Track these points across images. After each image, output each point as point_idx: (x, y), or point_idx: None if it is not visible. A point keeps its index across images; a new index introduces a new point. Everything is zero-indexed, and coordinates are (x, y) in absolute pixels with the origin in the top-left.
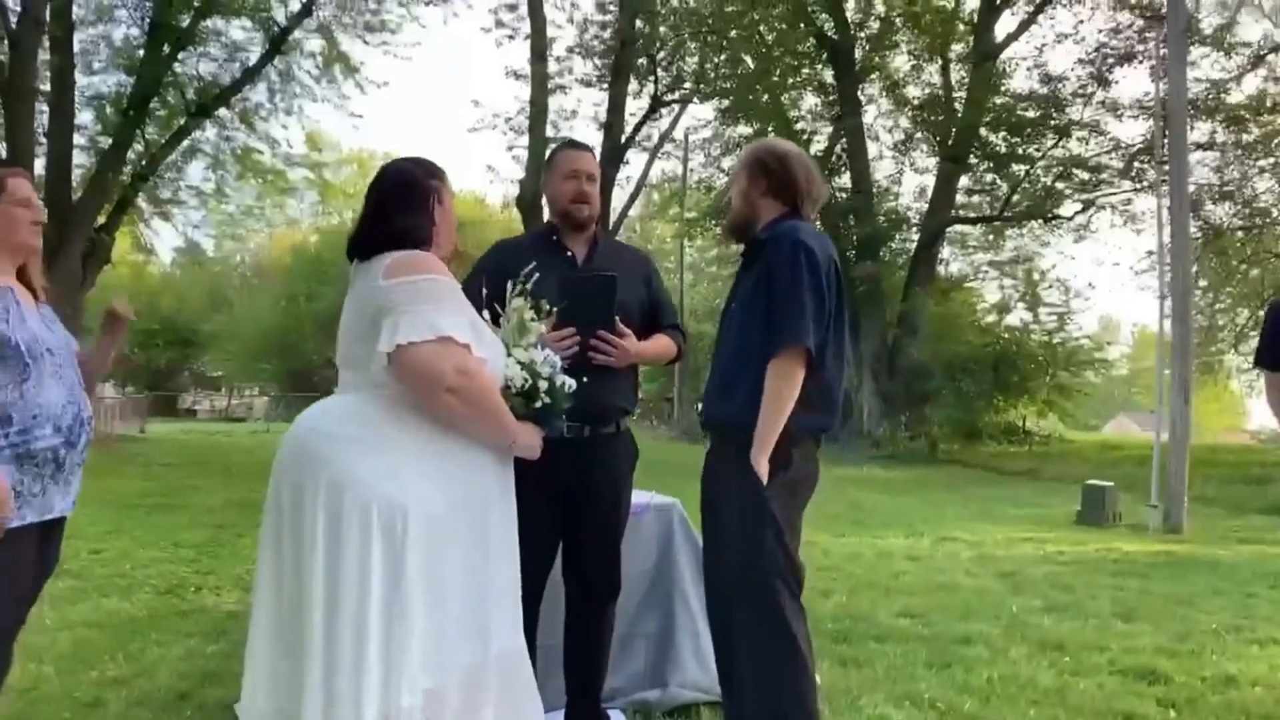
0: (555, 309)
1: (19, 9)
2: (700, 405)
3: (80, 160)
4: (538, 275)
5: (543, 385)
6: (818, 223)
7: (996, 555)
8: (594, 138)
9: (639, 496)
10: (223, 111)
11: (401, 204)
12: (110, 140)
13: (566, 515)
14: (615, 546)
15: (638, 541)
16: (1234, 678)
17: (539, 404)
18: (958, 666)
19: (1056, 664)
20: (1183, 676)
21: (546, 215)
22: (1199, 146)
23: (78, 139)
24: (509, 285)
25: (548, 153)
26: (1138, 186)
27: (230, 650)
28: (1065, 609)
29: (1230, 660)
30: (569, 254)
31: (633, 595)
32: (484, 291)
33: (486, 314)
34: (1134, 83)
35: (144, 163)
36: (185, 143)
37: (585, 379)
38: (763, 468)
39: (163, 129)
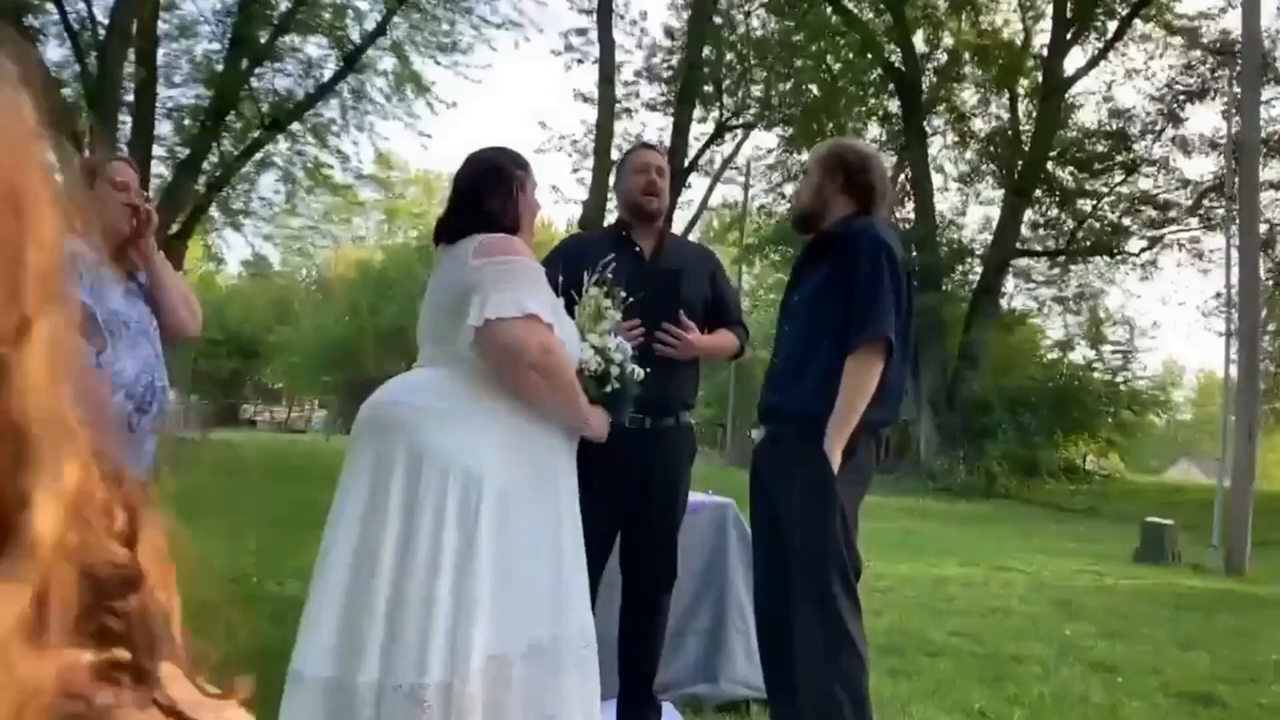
0: (630, 298)
1: (107, 22)
2: (761, 394)
3: (158, 170)
4: (614, 266)
5: (614, 370)
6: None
7: (1052, 585)
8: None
9: (695, 495)
10: (295, 126)
11: (488, 189)
12: (187, 151)
13: (626, 505)
14: (672, 538)
15: (692, 538)
16: None
17: (610, 389)
18: (1008, 681)
19: (1109, 684)
20: (1239, 703)
21: (615, 215)
22: (1271, 185)
23: (156, 149)
24: (585, 274)
25: (621, 156)
26: (1206, 225)
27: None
28: (1121, 635)
29: None
30: (637, 249)
31: (686, 591)
32: (560, 279)
33: (561, 300)
34: (1204, 119)
35: (218, 173)
36: (258, 155)
37: (649, 370)
38: (836, 456)
39: (237, 141)
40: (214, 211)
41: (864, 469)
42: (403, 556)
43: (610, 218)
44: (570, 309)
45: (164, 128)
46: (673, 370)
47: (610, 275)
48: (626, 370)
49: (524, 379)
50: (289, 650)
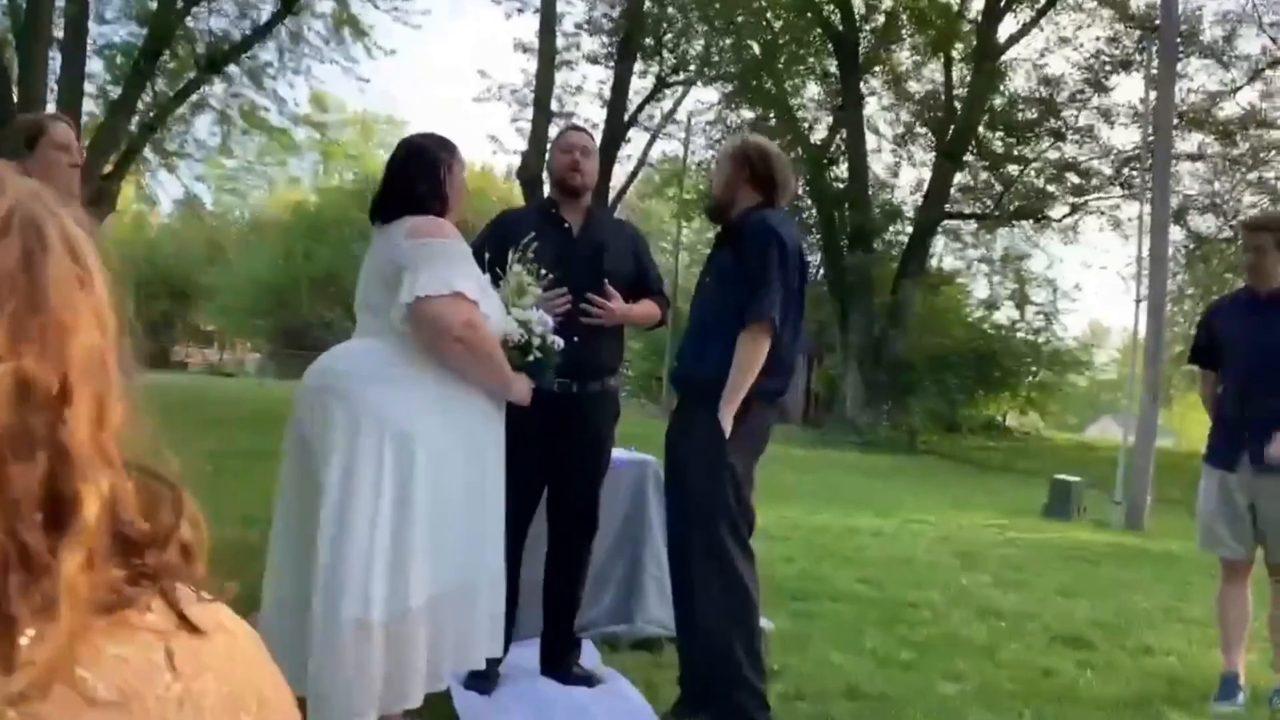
0: (550, 275)
1: None
2: (673, 367)
3: (89, 108)
4: (537, 244)
5: (535, 341)
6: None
7: (957, 537)
8: (597, 114)
9: (619, 453)
10: (232, 68)
11: (418, 173)
12: (120, 90)
13: (553, 461)
14: (595, 491)
15: (614, 491)
16: (1152, 648)
17: (532, 358)
18: (901, 625)
19: (993, 628)
20: (1106, 644)
21: (547, 191)
22: (1189, 157)
23: (88, 88)
24: (510, 251)
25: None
26: (1126, 193)
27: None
28: (1011, 584)
29: (1154, 634)
30: (565, 225)
31: (605, 539)
32: (486, 256)
33: (488, 276)
34: (1129, 90)
35: (152, 114)
36: (193, 97)
37: (575, 338)
38: (728, 422)
39: (172, 82)
40: (147, 152)
41: (756, 433)
42: (344, 509)
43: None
44: (497, 284)
45: (95, 65)
46: (598, 338)
47: (533, 253)
48: (547, 341)
49: (450, 350)
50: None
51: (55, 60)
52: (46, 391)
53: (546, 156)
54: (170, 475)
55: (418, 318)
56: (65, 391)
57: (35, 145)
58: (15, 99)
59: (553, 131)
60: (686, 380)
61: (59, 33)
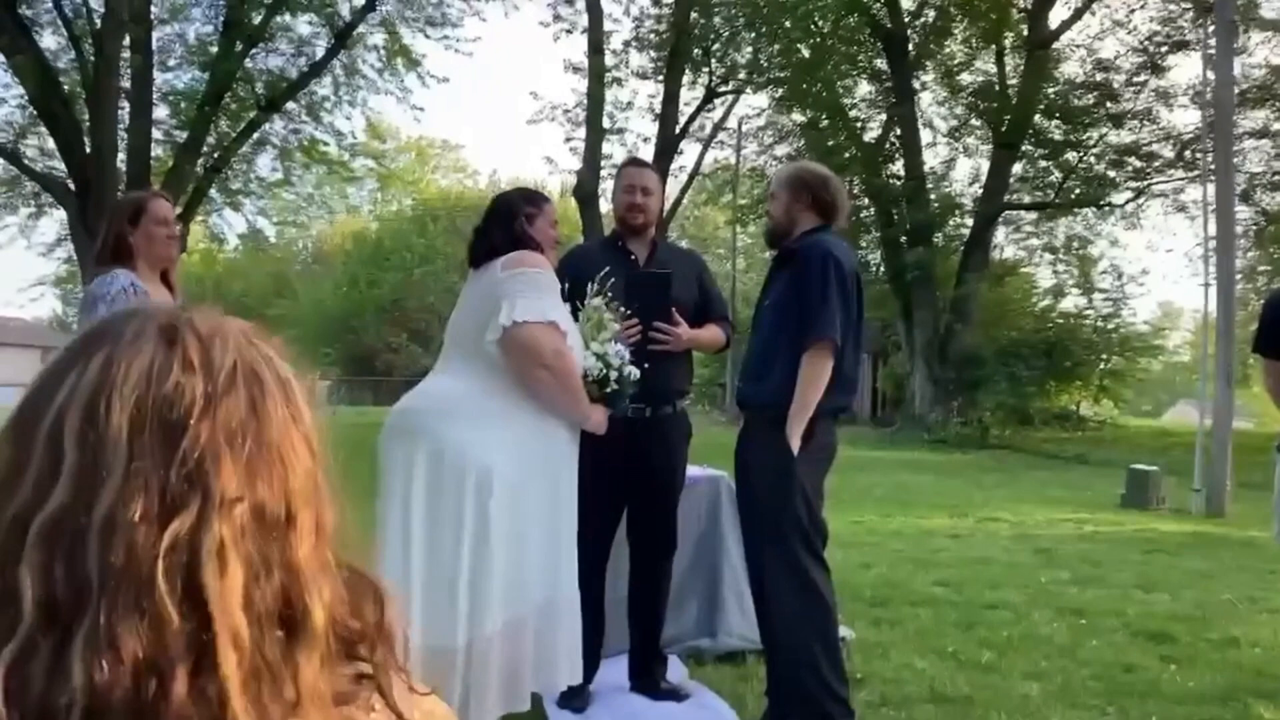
0: (625, 307)
1: (103, 9)
2: (737, 388)
3: (157, 154)
4: (612, 279)
5: (613, 375)
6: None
7: (1035, 534)
8: (649, 129)
9: (692, 470)
10: (290, 105)
11: (498, 224)
12: (186, 134)
13: (631, 484)
14: (672, 511)
15: (690, 509)
16: (1236, 639)
17: (609, 389)
18: (981, 627)
19: (1073, 626)
20: (1189, 638)
21: (608, 212)
22: (1253, 135)
23: (155, 133)
24: (589, 286)
25: (615, 158)
26: (1190, 175)
27: None
28: (1090, 580)
29: (1237, 625)
30: (632, 256)
31: (684, 555)
32: (565, 286)
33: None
34: (1188, 70)
35: (216, 155)
36: (255, 135)
37: (647, 365)
38: (796, 441)
39: (234, 122)
40: (213, 191)
41: (825, 449)
42: (433, 542)
43: (604, 184)
44: (575, 316)
45: (160, 112)
46: (668, 364)
47: (609, 290)
48: (624, 373)
49: (537, 377)
50: None
51: (123, 109)
52: (276, 519)
53: (612, 188)
54: (368, 570)
55: (512, 342)
56: (290, 517)
57: (139, 221)
58: (88, 149)
59: (606, 149)
60: (751, 401)
61: (125, 83)
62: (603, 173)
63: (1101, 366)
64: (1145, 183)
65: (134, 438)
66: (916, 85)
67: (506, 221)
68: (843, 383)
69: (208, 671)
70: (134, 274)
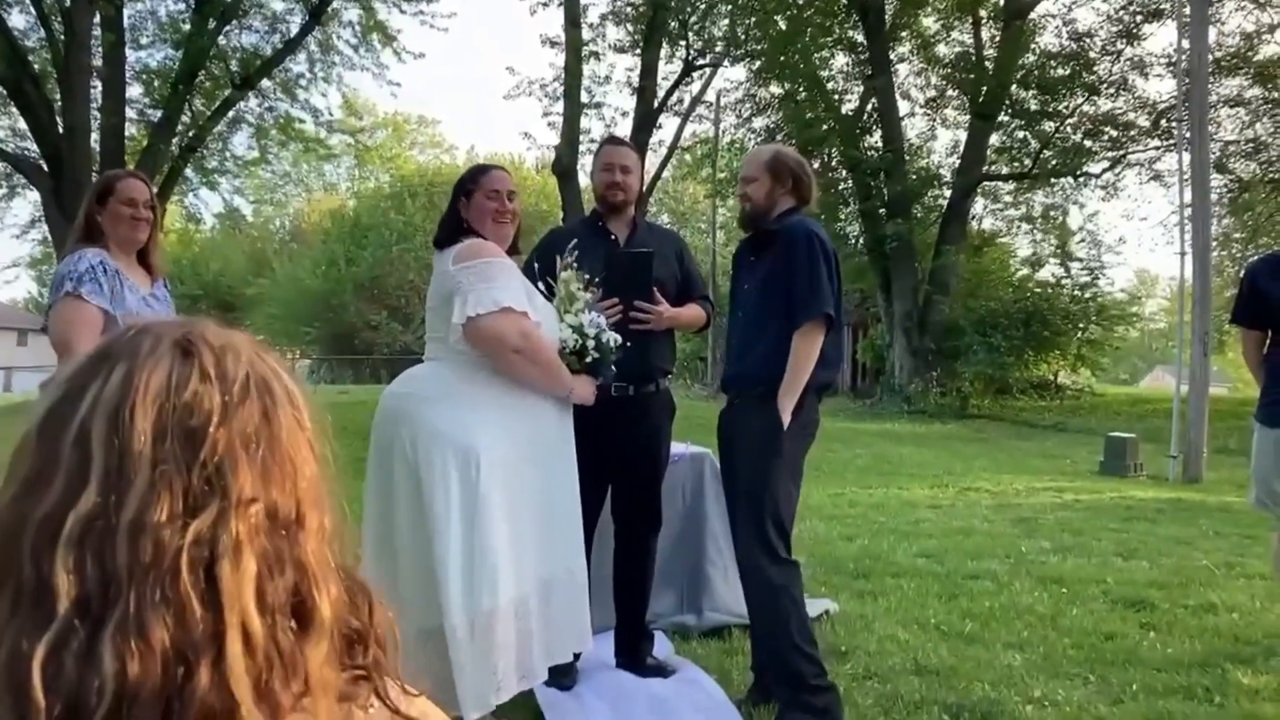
0: (598, 278)
1: None
2: (723, 372)
3: (131, 133)
4: (578, 252)
5: (590, 343)
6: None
7: (1015, 503)
8: (627, 103)
9: (676, 447)
10: (265, 82)
11: (447, 207)
12: (160, 113)
13: (615, 462)
14: (656, 488)
15: (674, 486)
16: (1214, 605)
17: (590, 358)
18: (963, 597)
19: (1054, 595)
20: (1167, 605)
21: (587, 187)
22: (1227, 103)
23: (128, 113)
24: (558, 259)
25: (593, 133)
26: (1166, 144)
27: None
28: (1070, 549)
29: (1215, 591)
30: (612, 236)
31: (669, 532)
32: (536, 266)
33: (542, 287)
34: (1162, 39)
35: (191, 134)
36: (230, 114)
37: (629, 344)
38: (787, 416)
39: (209, 101)
40: (189, 171)
41: (811, 424)
42: (416, 526)
43: (583, 159)
44: (551, 296)
45: (134, 90)
46: (650, 343)
47: (575, 261)
48: (603, 340)
49: (509, 362)
50: None
51: (96, 88)
52: (287, 519)
53: (591, 166)
54: (358, 573)
55: (474, 336)
56: (300, 517)
57: (106, 201)
58: (60, 129)
59: (584, 123)
60: (739, 379)
61: (97, 61)
62: (581, 148)
63: (1079, 335)
64: (1121, 152)
65: (158, 444)
66: (893, 57)
67: (451, 211)
68: (828, 359)
69: (225, 661)
70: (104, 252)
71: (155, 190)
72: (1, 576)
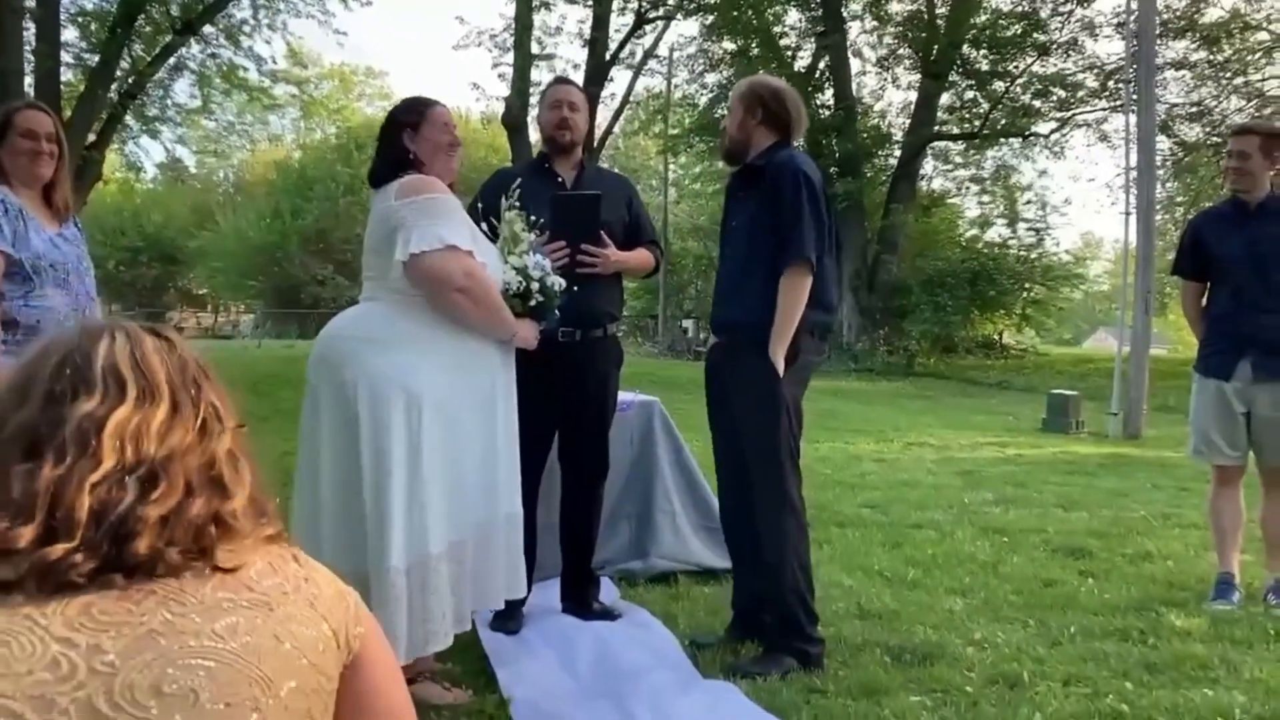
0: (543, 220)
1: None
2: (712, 310)
3: (67, 78)
4: (524, 195)
5: (535, 286)
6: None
7: (959, 457)
8: (578, 55)
9: (624, 395)
10: (208, 28)
11: (385, 141)
12: (97, 58)
13: (562, 408)
14: (604, 435)
15: (622, 433)
16: (1150, 554)
17: (533, 302)
18: (907, 545)
19: (996, 544)
20: (1105, 553)
21: (537, 141)
22: (1173, 65)
23: (64, 57)
24: (502, 200)
25: (543, 84)
26: (1113, 105)
27: None
28: (1012, 501)
29: (1151, 541)
30: (559, 179)
31: (617, 480)
32: (479, 207)
33: (485, 228)
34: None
35: (131, 80)
36: (171, 60)
37: (576, 288)
38: (780, 361)
39: (149, 46)
40: (129, 119)
41: (807, 366)
42: (351, 469)
43: (534, 112)
44: (494, 238)
45: (70, 34)
46: (597, 287)
47: (520, 202)
48: (547, 283)
49: (452, 302)
50: None
51: (29, 30)
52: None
53: (537, 110)
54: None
55: (416, 274)
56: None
57: (6, 136)
58: None
59: (534, 75)
60: (729, 324)
61: (30, 2)
62: (531, 99)
63: (1024, 296)
64: (1070, 113)
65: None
66: (846, 14)
67: (394, 140)
68: (821, 299)
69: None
70: (6, 189)
71: (94, 138)
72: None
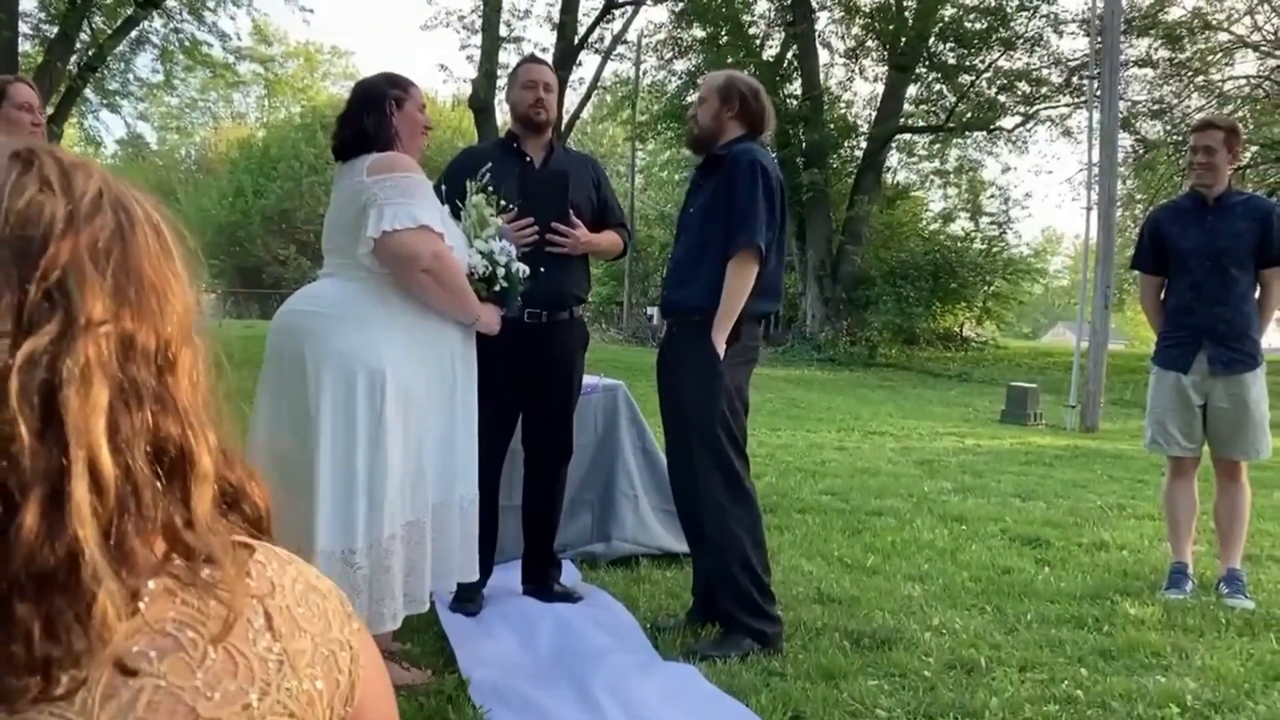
0: (513, 205)
1: None
2: (661, 293)
3: (25, 49)
4: (492, 174)
5: (500, 271)
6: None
7: (919, 447)
8: (547, 38)
9: (589, 378)
10: (170, 2)
11: (366, 111)
12: (56, 29)
13: (526, 390)
14: (568, 418)
15: (587, 416)
16: (1106, 543)
17: (498, 287)
18: (867, 532)
19: (954, 532)
20: (1062, 542)
21: (504, 124)
22: (1136, 63)
23: (22, 28)
24: (469, 183)
25: (511, 66)
26: (1076, 101)
27: None
28: (971, 490)
29: (1107, 530)
30: (528, 158)
31: (581, 463)
32: (444, 188)
33: (447, 208)
34: None
35: (91, 53)
36: (133, 33)
37: (543, 268)
38: (721, 345)
39: (110, 19)
40: (89, 92)
41: (749, 351)
42: (317, 447)
43: (501, 95)
44: (457, 218)
45: (28, 3)
46: (565, 269)
47: (490, 184)
48: (512, 269)
49: (418, 282)
50: None
51: None
52: (148, 352)
53: (506, 89)
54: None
55: (385, 252)
56: (165, 351)
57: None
58: None
59: (502, 57)
60: (677, 307)
61: None
62: (499, 82)
63: (985, 289)
64: (1033, 108)
65: None
66: (814, 4)
67: (377, 110)
68: (767, 288)
69: (66, 502)
70: None
71: (52, 110)
72: None
